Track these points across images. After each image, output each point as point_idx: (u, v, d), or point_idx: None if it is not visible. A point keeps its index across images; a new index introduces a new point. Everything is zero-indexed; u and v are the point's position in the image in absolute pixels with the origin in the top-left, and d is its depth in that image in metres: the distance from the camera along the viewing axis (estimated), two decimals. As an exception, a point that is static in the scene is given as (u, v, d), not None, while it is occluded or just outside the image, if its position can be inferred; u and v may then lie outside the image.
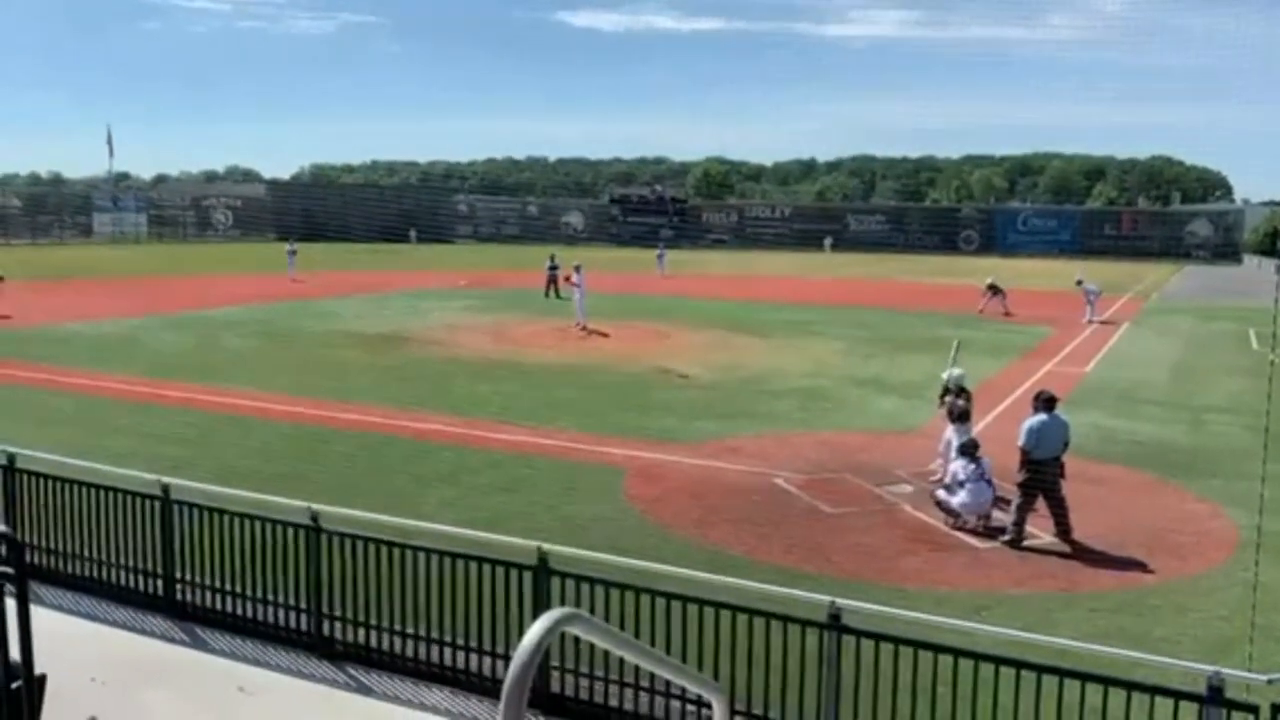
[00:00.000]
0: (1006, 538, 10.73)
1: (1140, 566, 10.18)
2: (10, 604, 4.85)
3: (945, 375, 13.40)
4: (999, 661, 5.50)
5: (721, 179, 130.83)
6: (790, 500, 12.25)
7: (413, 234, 69.68)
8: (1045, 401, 11.15)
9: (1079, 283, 33.95)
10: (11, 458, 8.75)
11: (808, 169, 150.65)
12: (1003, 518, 11.12)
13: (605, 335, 26.22)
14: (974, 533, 11.00)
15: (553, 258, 37.93)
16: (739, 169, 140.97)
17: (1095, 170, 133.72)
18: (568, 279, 28.99)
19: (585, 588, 6.53)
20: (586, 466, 13.76)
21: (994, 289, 34.97)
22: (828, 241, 74.54)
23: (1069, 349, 26.16)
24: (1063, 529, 10.75)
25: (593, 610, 6.26)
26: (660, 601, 6.32)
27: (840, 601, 5.91)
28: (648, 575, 6.58)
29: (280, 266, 43.57)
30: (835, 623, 5.85)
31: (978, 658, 5.53)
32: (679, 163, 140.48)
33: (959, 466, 11.38)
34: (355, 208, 75.12)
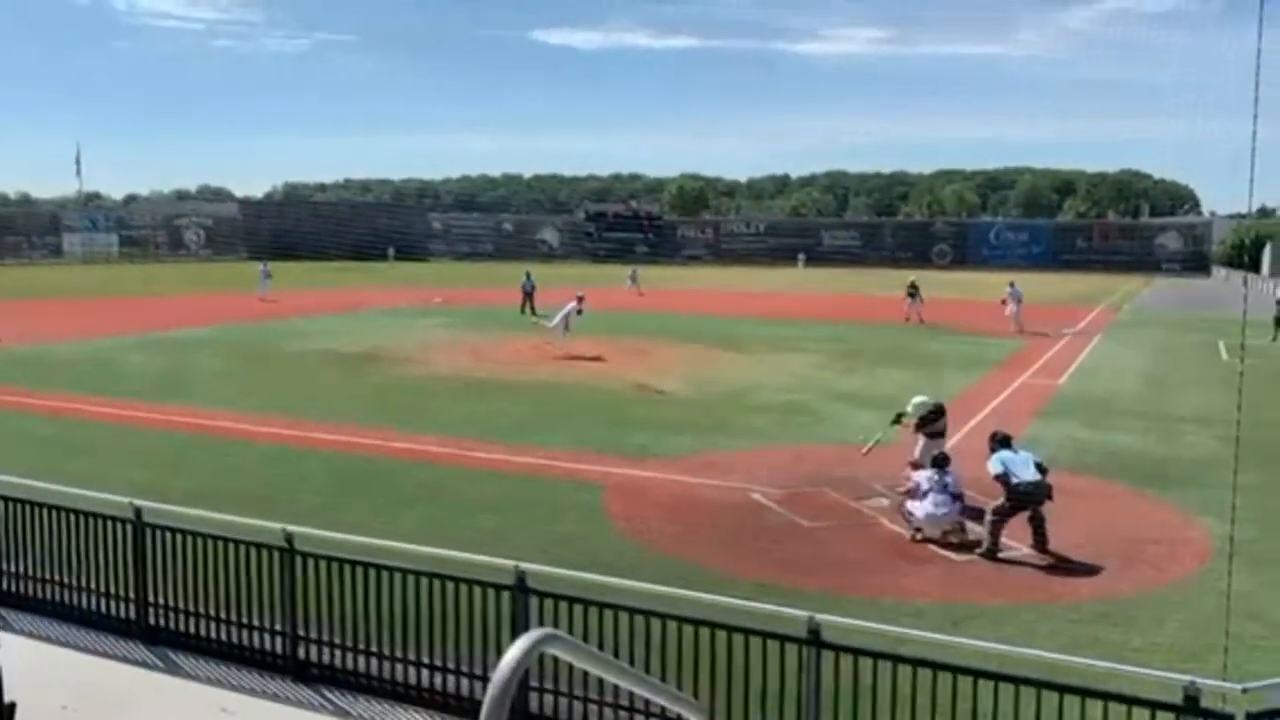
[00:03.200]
0: (981, 549, 10.78)
1: (1117, 577, 10.24)
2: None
3: (910, 407, 13.30)
4: (978, 674, 5.51)
5: (696, 195, 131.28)
6: (768, 515, 12.25)
7: (390, 251, 69.44)
8: (1000, 441, 11.32)
9: (1010, 284, 34.89)
10: (-21, 482, 8.61)
11: (782, 185, 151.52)
12: (977, 529, 11.17)
13: (593, 359, 25.84)
14: (950, 546, 11.04)
15: (528, 275, 37.93)
16: (714, 185, 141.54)
17: (1065, 184, 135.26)
18: (580, 307, 27.30)
19: (564, 606, 6.49)
20: (565, 484, 13.71)
21: (913, 292, 35.91)
22: (801, 257, 74.97)
23: (1041, 362, 26.38)
24: (1040, 541, 10.81)
25: (571, 629, 6.23)
26: (639, 619, 6.30)
27: (819, 616, 5.91)
28: (627, 593, 6.55)
29: (257, 286, 43.29)
30: (815, 638, 5.85)
31: (956, 670, 5.54)
32: (654, 179, 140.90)
33: (924, 477, 11.44)
34: (328, 226, 74.78)
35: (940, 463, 11.51)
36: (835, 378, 23.32)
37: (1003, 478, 10.90)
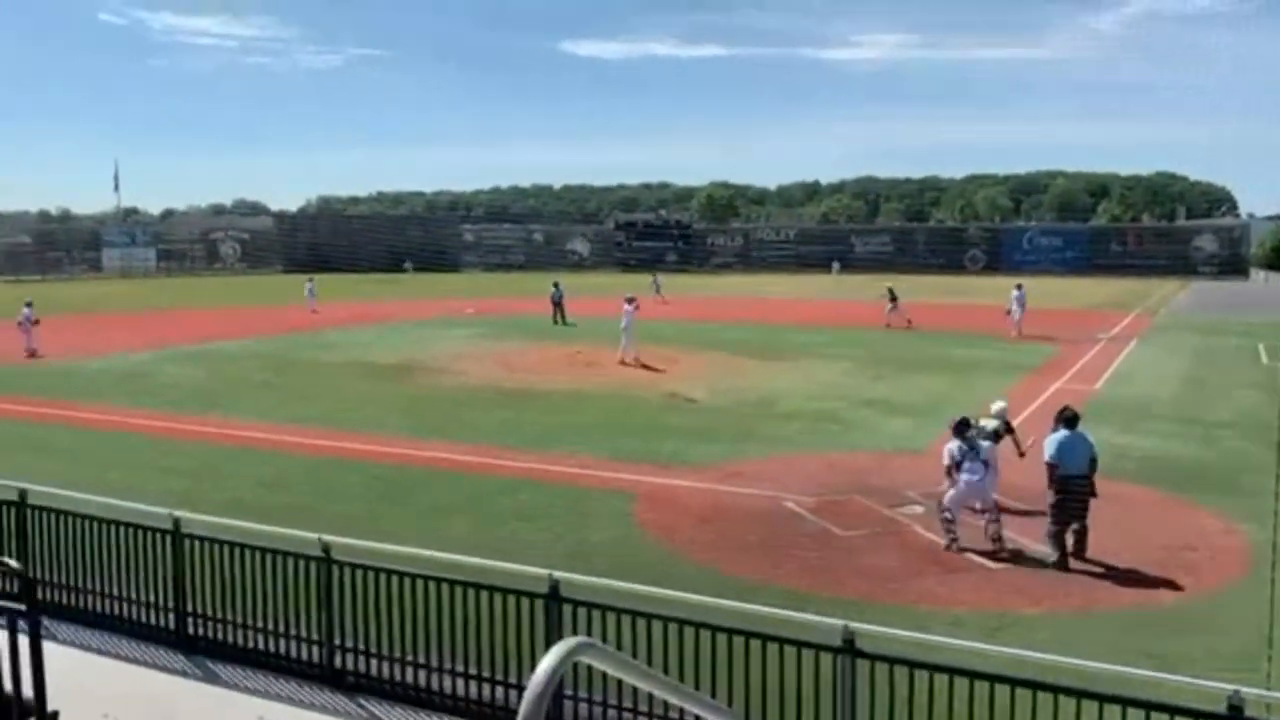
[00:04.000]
0: (1051, 560, 10.63)
1: (1156, 584, 10.11)
2: (23, 640, 4.85)
3: (991, 418, 12.96)
4: (1016, 683, 5.45)
5: (726, 202, 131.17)
6: (801, 523, 12.20)
7: (408, 265, 69.77)
8: (1067, 420, 11.14)
9: (1017, 286, 34.79)
10: (23, 493, 8.75)
11: (812, 191, 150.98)
12: (1016, 539, 11.06)
13: (645, 368, 25.47)
14: (987, 554, 10.94)
15: (556, 284, 38.14)
16: (743, 192, 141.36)
17: (1100, 187, 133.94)
18: (628, 309, 26.81)
19: (597, 615, 6.50)
20: (597, 492, 13.74)
21: (892, 298, 36.12)
22: (836, 264, 74.58)
23: (1077, 367, 26.08)
24: (1080, 548, 10.69)
25: (605, 638, 6.23)
26: (673, 628, 6.29)
27: (854, 625, 5.87)
28: (659, 601, 6.54)
29: (293, 298, 43.80)
30: (849, 647, 5.81)
31: (994, 679, 5.49)
32: (683, 187, 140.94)
33: (954, 446, 11.30)
34: (361, 238, 75.51)
35: (962, 428, 11.37)
36: (865, 384, 23.19)
37: (1052, 465, 10.81)
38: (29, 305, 28.93)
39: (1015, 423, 13.62)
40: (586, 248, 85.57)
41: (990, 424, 12.54)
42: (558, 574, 6.69)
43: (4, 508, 8.69)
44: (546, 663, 2.31)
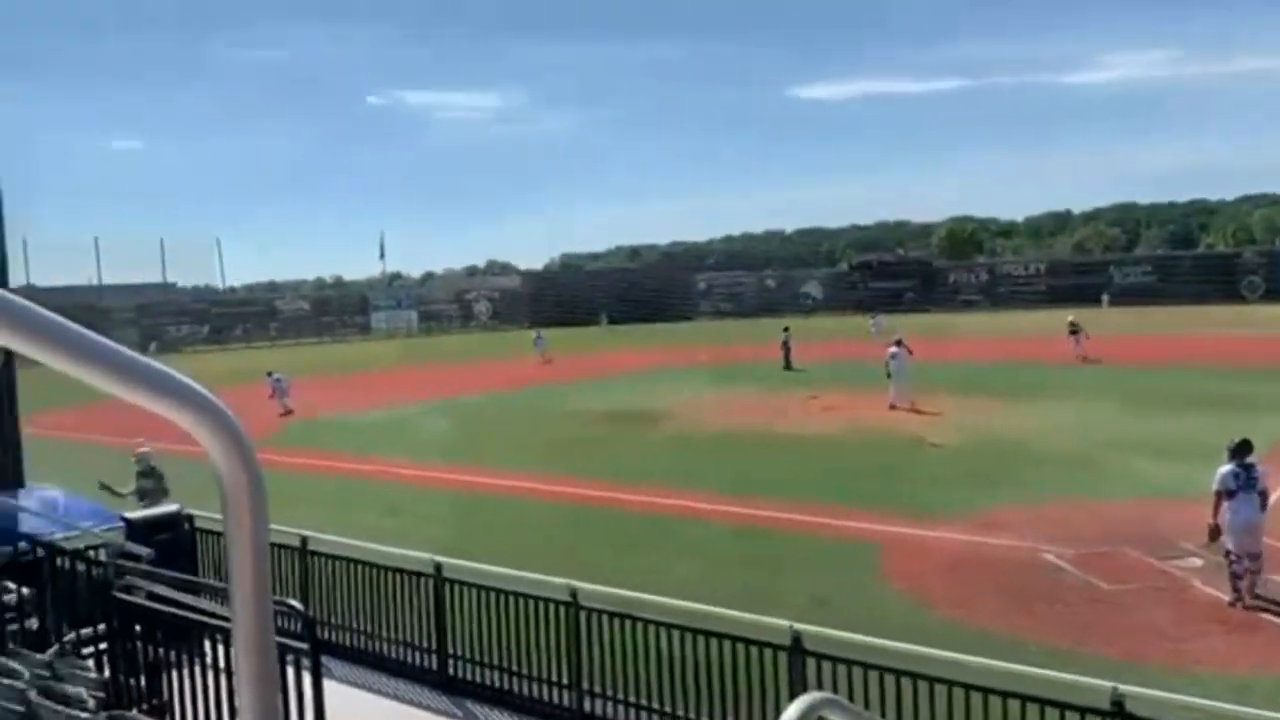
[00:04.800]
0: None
1: None
2: (305, 676, 5.30)
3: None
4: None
5: (968, 237, 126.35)
6: (1061, 576, 11.45)
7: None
8: (1235, 451, 10.08)
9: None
10: (304, 540, 9.60)
11: (1062, 222, 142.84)
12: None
13: (924, 412, 24.31)
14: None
15: (786, 330, 38.00)
16: (986, 226, 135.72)
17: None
18: (895, 350, 25.86)
19: (842, 669, 6.35)
20: (837, 542, 13.47)
21: (1074, 329, 34.91)
22: (1105, 297, 69.76)
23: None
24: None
25: (850, 694, 6.07)
26: (923, 685, 6.04)
27: (1123, 687, 5.43)
28: (908, 657, 6.32)
29: (529, 352, 45.92)
30: (1119, 710, 5.38)
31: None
32: (920, 224, 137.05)
33: (1228, 470, 10.18)
34: (600, 292, 78.34)
35: (1242, 451, 10.24)
36: (1128, 424, 21.51)
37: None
38: (270, 374, 31.73)
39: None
40: (820, 290, 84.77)
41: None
42: (799, 625, 6.60)
43: (287, 553, 9.55)
44: (787, 717, 2.28)
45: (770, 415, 25.64)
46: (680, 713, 7.16)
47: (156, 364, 1.14)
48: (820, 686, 6.26)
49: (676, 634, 7.14)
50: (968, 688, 5.89)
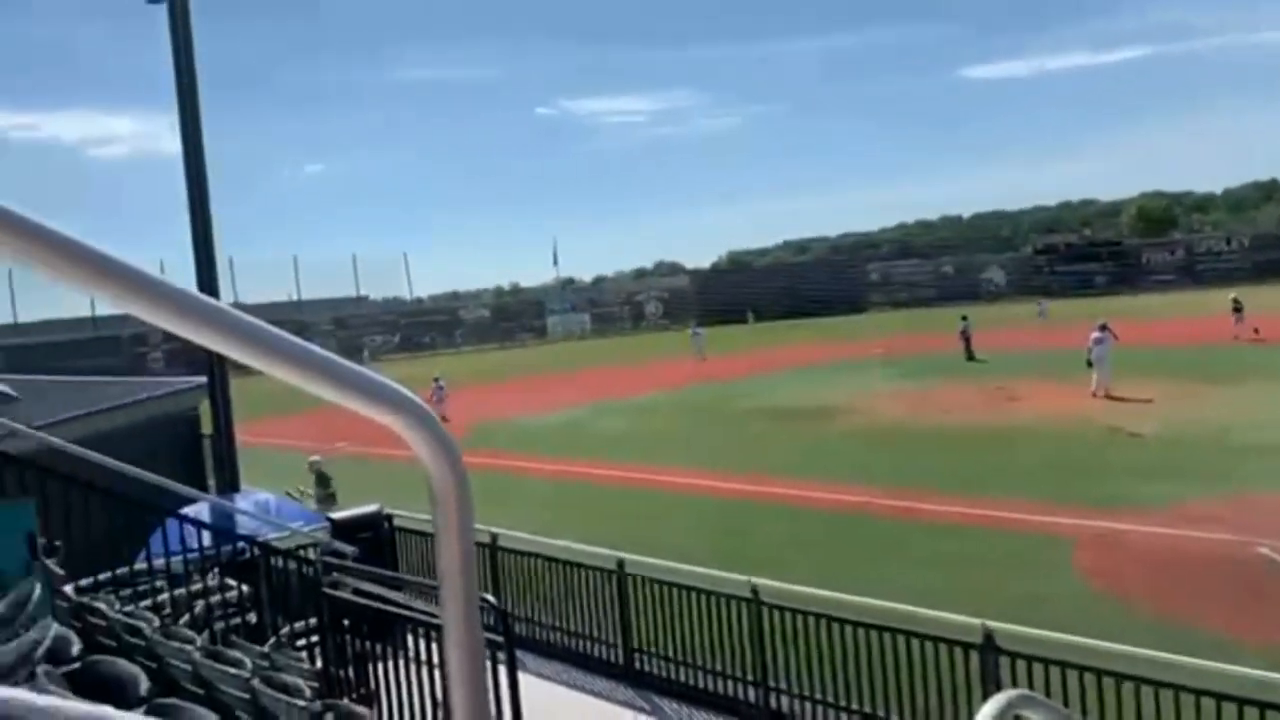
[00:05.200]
0: None
1: None
2: (501, 669, 5.52)
3: None
4: None
5: (1161, 213, 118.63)
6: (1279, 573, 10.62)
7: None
8: None
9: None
10: (494, 537, 9.98)
11: (1267, 192, 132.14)
12: None
13: (1142, 400, 22.92)
14: None
15: (965, 318, 36.68)
16: (1180, 200, 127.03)
17: None
18: (1099, 335, 24.65)
19: (1038, 669, 6.11)
20: (1029, 537, 12.93)
21: (1236, 307, 34.31)
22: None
23: None
24: None
25: (1048, 693, 5.83)
26: (1127, 686, 5.75)
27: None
28: (1108, 656, 6.02)
29: (687, 350, 46.04)
30: (1354, 719, 4.96)
31: None
32: (1108, 202, 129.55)
33: None
34: (769, 287, 77.81)
35: None
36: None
37: None
38: (436, 380, 32.87)
39: None
40: (1002, 277, 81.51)
41: None
42: (991, 624, 6.39)
43: (479, 550, 9.94)
44: (984, 715, 2.23)
45: (952, 408, 24.84)
46: (869, 710, 7.06)
47: (370, 372, 1.23)
48: (1015, 685, 6.04)
49: (861, 631, 7.04)
50: (1176, 688, 5.56)
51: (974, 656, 6.39)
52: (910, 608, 7.21)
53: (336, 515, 9.77)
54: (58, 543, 6.41)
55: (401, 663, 6.09)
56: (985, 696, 2.43)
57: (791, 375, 35.77)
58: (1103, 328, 25.01)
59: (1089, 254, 79.64)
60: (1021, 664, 6.20)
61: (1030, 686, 5.95)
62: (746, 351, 45.69)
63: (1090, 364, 24.38)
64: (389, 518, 10.02)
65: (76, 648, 4.09)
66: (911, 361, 36.30)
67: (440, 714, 5.73)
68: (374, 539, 9.23)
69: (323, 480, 15.93)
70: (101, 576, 7.12)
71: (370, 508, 9.70)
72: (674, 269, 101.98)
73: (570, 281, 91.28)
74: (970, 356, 34.79)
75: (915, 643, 6.72)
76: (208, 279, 13.76)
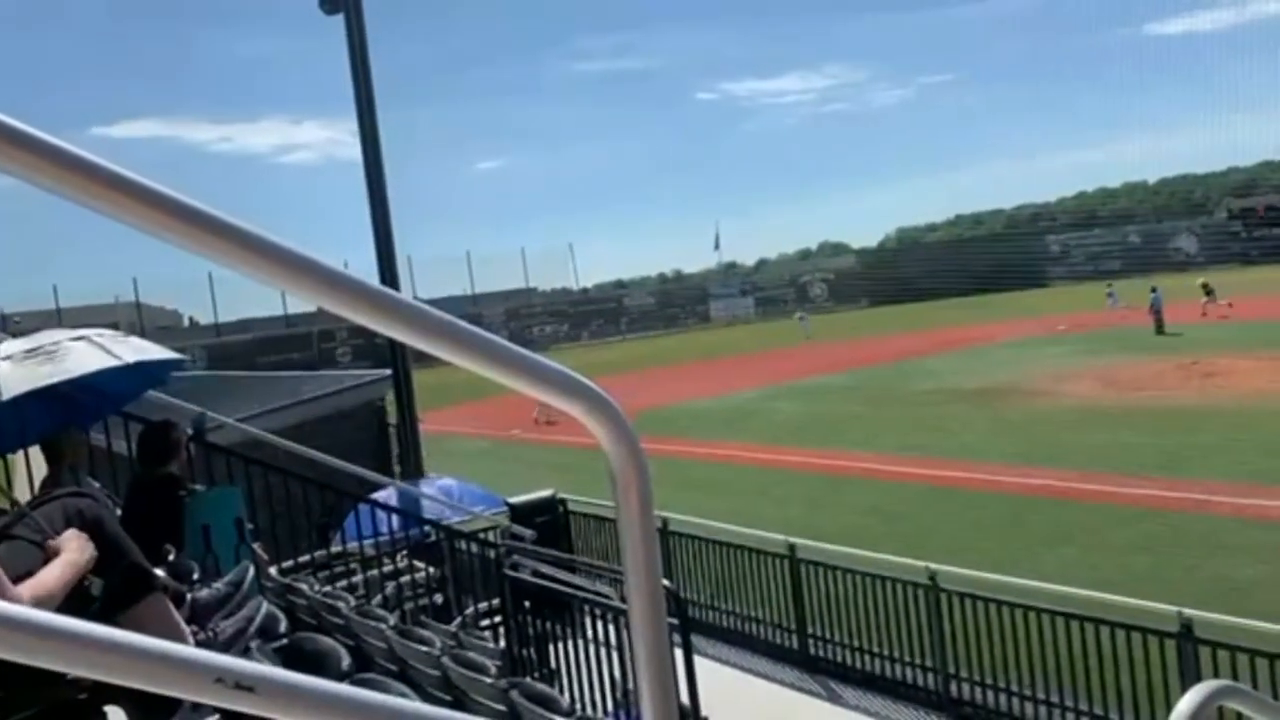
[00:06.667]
0: None
1: None
2: (677, 652, 5.61)
3: None
4: None
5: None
6: None
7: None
8: None
9: None
10: (665, 521, 10.10)
11: None
12: None
13: None
14: None
15: (1154, 290, 34.50)
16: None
17: None
18: None
19: (1243, 659, 5.74)
20: (1234, 521, 12.12)
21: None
22: None
23: None
24: None
25: (1255, 684, 5.48)
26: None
27: None
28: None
29: (886, 330, 45.05)
30: None
31: None
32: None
33: None
34: (941, 264, 75.35)
35: None
36: None
37: None
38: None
39: None
40: (1194, 244, 76.25)
41: None
42: (1188, 611, 6.06)
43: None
44: (1183, 706, 2.14)
45: (1141, 384, 23.48)
46: (1056, 700, 6.81)
47: (552, 363, 1.28)
48: (1216, 676, 5.71)
49: (1046, 618, 6.79)
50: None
51: (1170, 645, 6.07)
52: (1095, 593, 6.91)
53: (515, 500, 10.10)
54: (262, 527, 6.90)
55: (580, 643, 6.26)
56: (1183, 688, 2.32)
57: (974, 354, 34.52)
58: None
59: (1294, 216, 73.41)
60: (1224, 654, 5.84)
61: (1234, 678, 5.61)
62: (924, 330, 44.36)
63: None
64: (563, 501, 10.29)
65: (283, 625, 4.41)
66: (1098, 336, 34.48)
67: (617, 694, 5.87)
68: (550, 523, 9.50)
69: None
70: (301, 559, 7.61)
71: (545, 493, 9.98)
72: (839, 249, 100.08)
73: (732, 266, 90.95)
74: (1160, 330, 32.77)
75: (1104, 630, 6.44)
76: (389, 276, 14.42)
